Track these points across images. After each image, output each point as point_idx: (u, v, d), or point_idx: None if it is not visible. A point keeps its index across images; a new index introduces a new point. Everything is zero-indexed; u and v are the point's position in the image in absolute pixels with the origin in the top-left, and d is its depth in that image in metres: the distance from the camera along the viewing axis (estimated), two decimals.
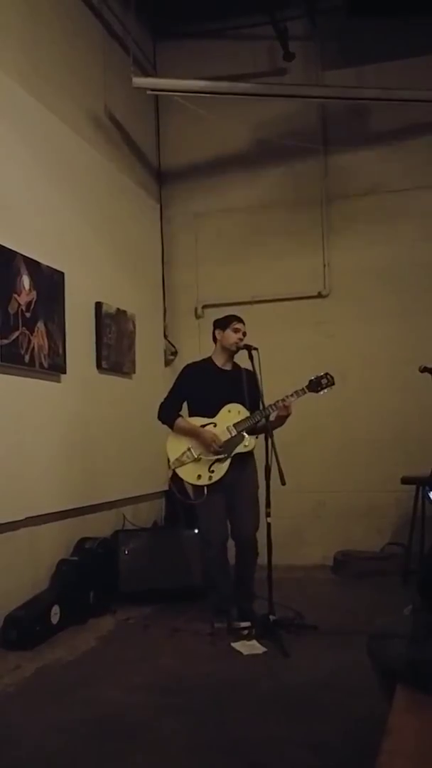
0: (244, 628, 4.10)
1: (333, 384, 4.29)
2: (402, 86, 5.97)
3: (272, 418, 4.18)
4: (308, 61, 6.52)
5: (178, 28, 6.81)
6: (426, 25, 6.00)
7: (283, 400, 4.15)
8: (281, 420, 4.22)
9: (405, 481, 5.42)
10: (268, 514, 4.04)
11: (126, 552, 4.97)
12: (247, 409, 4.22)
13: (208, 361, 4.46)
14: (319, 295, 6.52)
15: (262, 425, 4.17)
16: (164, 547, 5.06)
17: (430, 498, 5.22)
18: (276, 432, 4.13)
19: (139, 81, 5.90)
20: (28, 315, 4.33)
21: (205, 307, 6.72)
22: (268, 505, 4.06)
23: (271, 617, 3.99)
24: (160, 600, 4.85)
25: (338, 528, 6.24)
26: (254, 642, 3.93)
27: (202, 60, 6.62)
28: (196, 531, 5.10)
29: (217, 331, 4.42)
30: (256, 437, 4.25)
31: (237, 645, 3.91)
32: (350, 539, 6.12)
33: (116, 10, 6.08)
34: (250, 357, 4.23)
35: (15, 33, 4.61)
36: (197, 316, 6.79)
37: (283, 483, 3.92)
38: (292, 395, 4.17)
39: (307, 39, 6.50)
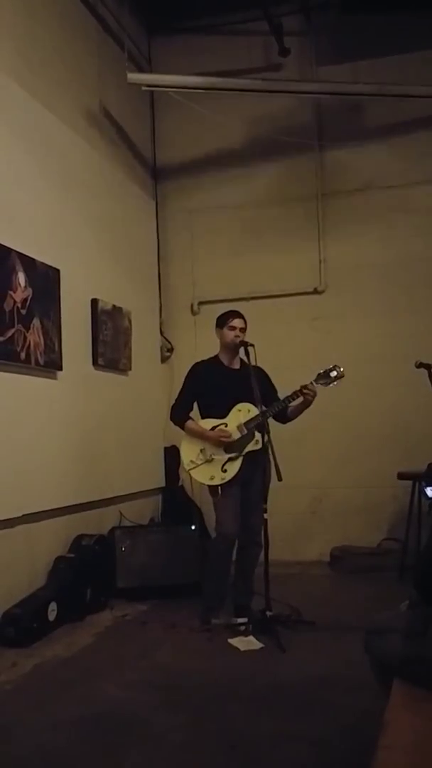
0: (242, 624, 4.10)
1: (342, 376, 4.21)
2: (396, 82, 5.97)
3: (296, 403, 4.21)
4: (303, 57, 6.51)
5: (173, 24, 6.79)
6: (420, 20, 6.01)
7: (297, 392, 4.15)
8: (306, 404, 4.22)
9: (402, 476, 5.42)
10: (264, 510, 4.03)
11: (123, 548, 4.97)
12: (257, 407, 4.18)
13: (216, 359, 4.45)
14: (315, 291, 6.52)
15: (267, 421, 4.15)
16: (161, 543, 5.06)
17: (426, 493, 5.23)
18: (271, 429, 4.12)
19: (134, 77, 5.89)
20: (23, 312, 4.32)
21: (201, 303, 6.72)
22: (264, 501, 4.05)
23: (268, 613, 3.99)
24: (157, 596, 4.85)
25: (335, 524, 6.25)
26: (251, 638, 3.93)
27: (197, 56, 6.61)
28: (193, 527, 5.12)
29: (216, 330, 4.42)
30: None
31: (234, 641, 3.91)
32: (347, 535, 6.13)
33: (111, 5, 6.06)
34: (246, 353, 4.23)
35: (9, 29, 4.59)
36: (193, 313, 6.79)
37: (280, 479, 3.93)
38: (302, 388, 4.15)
39: (301, 34, 6.50)
